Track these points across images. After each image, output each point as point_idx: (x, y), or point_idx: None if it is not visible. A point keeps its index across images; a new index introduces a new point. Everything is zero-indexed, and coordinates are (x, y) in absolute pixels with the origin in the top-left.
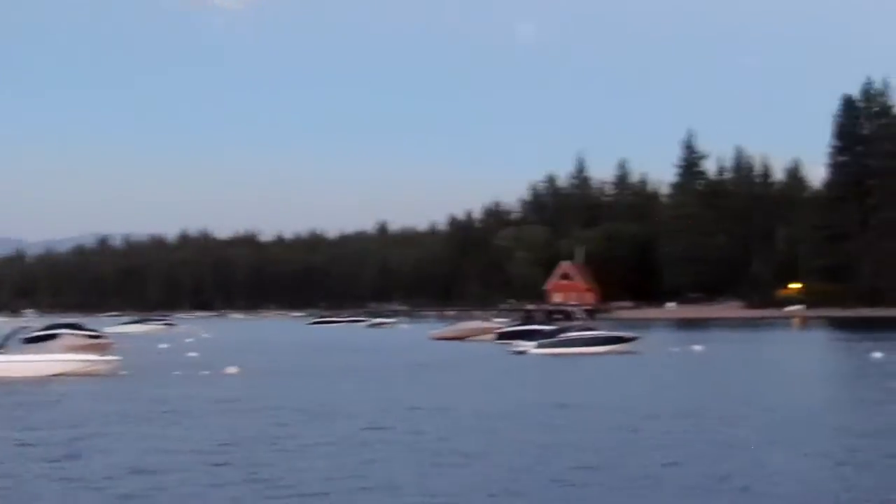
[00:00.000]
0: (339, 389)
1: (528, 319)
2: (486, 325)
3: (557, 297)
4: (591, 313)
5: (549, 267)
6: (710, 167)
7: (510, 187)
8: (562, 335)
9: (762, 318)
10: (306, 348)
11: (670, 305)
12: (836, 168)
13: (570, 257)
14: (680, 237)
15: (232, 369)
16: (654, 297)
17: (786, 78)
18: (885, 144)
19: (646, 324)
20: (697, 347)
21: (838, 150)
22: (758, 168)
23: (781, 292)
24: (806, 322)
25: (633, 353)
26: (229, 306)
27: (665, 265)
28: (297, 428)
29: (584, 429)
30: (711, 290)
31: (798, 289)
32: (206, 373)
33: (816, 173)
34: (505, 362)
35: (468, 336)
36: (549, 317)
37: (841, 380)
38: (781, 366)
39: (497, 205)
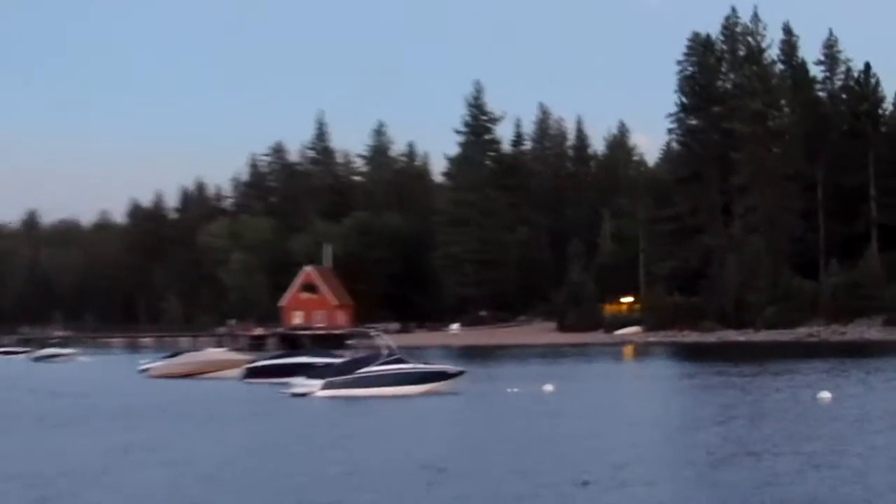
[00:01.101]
0: (70, 446)
1: (265, 348)
2: (226, 356)
3: (297, 317)
4: (341, 339)
5: (279, 275)
6: (504, 134)
7: (218, 163)
8: (359, 370)
9: (584, 345)
10: None
11: (454, 328)
12: (685, 135)
13: (311, 261)
14: (464, 232)
15: None
16: (429, 316)
17: (603, 13)
18: (755, 102)
19: (419, 354)
20: (548, 387)
21: (687, 111)
22: (569, 135)
23: (608, 309)
24: (639, 350)
25: (458, 395)
26: None
27: (443, 271)
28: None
29: None
30: (510, 307)
31: (632, 304)
32: None
33: (653, 143)
34: (281, 408)
35: (201, 372)
36: (303, 343)
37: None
38: (694, 416)
39: (200, 187)
